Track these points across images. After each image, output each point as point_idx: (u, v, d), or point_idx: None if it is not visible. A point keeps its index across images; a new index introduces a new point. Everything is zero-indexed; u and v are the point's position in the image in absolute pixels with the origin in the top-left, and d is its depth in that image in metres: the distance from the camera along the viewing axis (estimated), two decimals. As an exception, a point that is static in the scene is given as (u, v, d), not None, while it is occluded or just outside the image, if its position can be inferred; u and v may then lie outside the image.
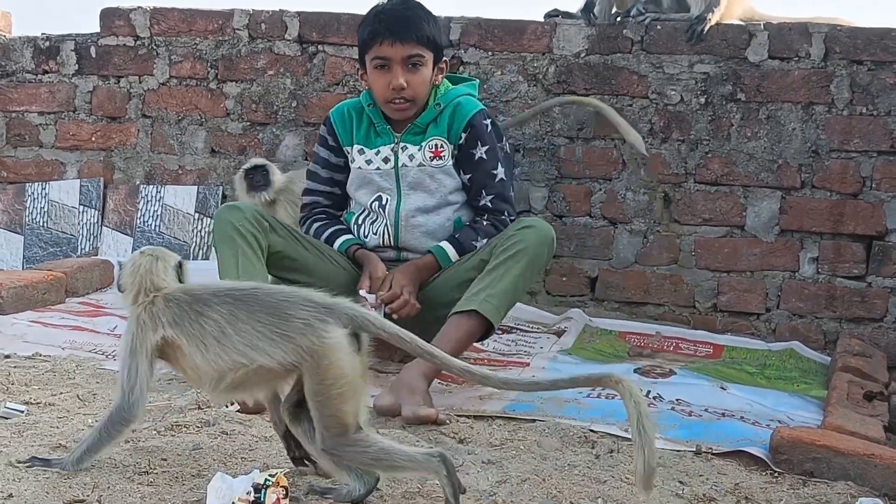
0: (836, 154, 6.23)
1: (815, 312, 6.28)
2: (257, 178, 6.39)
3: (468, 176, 5.14)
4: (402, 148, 5.14)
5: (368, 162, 5.18)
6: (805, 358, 5.79)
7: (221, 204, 7.06)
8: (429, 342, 3.47)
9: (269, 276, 4.91)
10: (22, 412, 4.12)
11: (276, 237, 4.93)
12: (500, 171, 5.13)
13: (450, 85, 5.24)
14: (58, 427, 3.98)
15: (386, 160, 5.15)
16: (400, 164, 5.11)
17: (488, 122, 5.16)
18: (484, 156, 5.11)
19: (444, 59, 5.23)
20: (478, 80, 5.46)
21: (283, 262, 4.99)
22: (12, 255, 7.26)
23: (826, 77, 6.22)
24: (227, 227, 4.79)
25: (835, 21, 6.33)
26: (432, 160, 5.11)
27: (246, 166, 6.48)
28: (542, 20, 6.74)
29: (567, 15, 6.72)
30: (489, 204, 5.12)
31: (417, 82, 5.04)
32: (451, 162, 5.13)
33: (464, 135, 5.11)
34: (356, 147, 5.19)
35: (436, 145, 5.12)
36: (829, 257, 6.25)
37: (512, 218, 5.15)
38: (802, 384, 5.34)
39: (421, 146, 5.12)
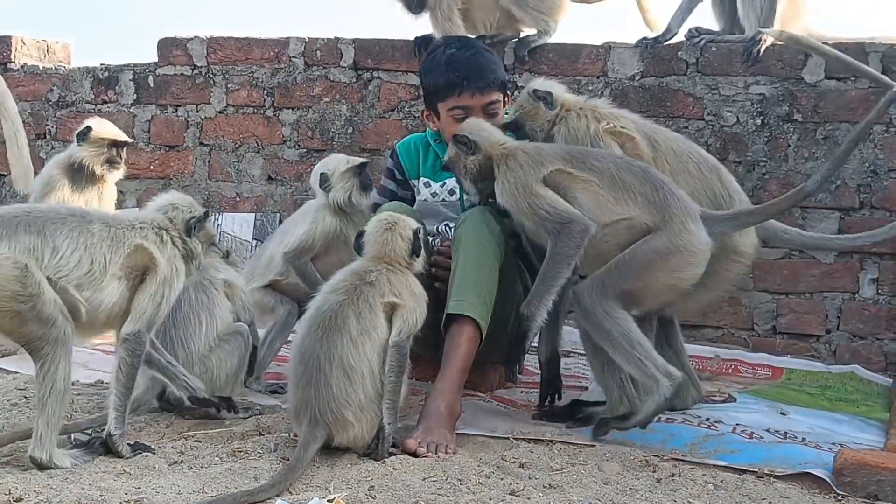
0: (895, 174, 6.18)
1: (876, 334, 6.22)
2: (365, 177, 5.44)
3: None
4: None
5: (434, 195, 5.21)
6: (866, 380, 5.74)
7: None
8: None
9: None
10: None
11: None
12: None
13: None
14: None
15: (451, 192, 5.19)
16: (465, 197, 5.10)
17: None
18: None
19: (508, 92, 5.24)
20: None
21: None
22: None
23: (884, 96, 6.16)
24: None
25: (892, 40, 6.28)
26: None
27: (354, 162, 5.43)
28: (597, 44, 6.74)
29: (710, 32, 6.65)
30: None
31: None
32: None
33: None
34: (422, 180, 5.23)
35: None
36: (889, 278, 6.19)
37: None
38: (864, 406, 5.30)
39: None
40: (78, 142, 6.13)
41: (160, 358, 4.33)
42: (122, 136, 6.18)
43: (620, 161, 4.52)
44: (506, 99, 5.20)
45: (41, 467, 3.81)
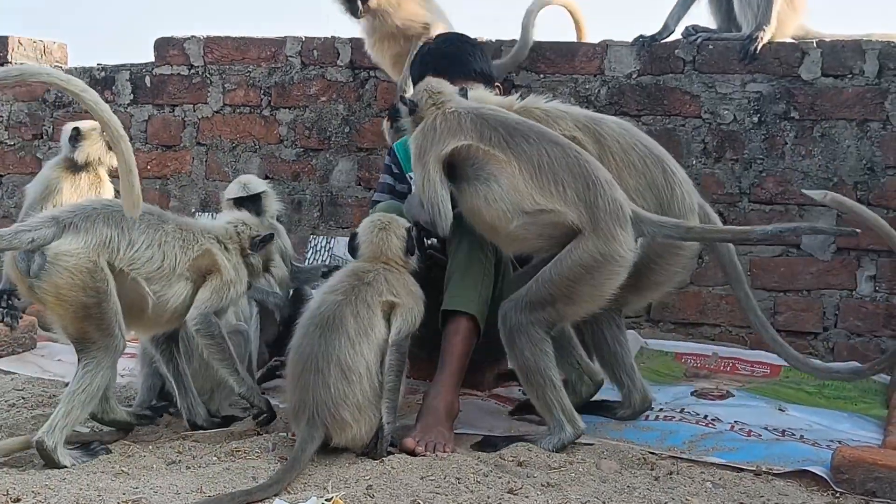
0: (892, 171, 6.17)
1: (874, 331, 6.22)
2: (247, 206, 5.43)
3: None
4: None
5: None
6: (864, 377, 5.73)
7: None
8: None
9: None
10: None
11: None
12: None
13: None
14: (119, 451, 4.02)
15: None
16: None
17: None
18: None
19: (497, 83, 5.28)
20: None
21: None
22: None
23: (880, 94, 6.18)
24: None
25: (889, 37, 6.29)
26: None
27: (235, 194, 5.61)
28: (594, 42, 6.74)
29: (706, 30, 6.66)
30: None
31: None
32: None
33: None
34: None
35: None
36: (886, 275, 6.19)
37: None
38: (862, 404, 5.30)
39: None
40: (72, 144, 6.14)
41: (183, 370, 4.49)
42: None
43: (559, 149, 4.32)
44: (496, 89, 5.26)
45: (44, 455, 3.87)
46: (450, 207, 4.40)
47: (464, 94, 4.67)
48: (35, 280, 3.91)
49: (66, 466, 3.86)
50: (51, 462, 3.87)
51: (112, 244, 4.01)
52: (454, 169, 4.39)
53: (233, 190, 5.57)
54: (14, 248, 3.92)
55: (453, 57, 5.15)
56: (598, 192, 4.21)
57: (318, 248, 7.03)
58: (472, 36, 6.69)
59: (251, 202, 5.45)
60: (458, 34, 5.58)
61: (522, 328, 4.23)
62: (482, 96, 4.79)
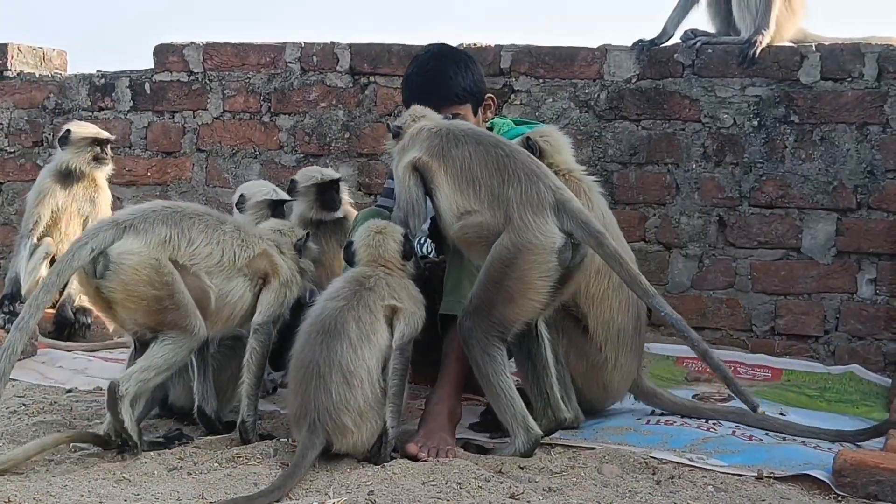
0: (893, 174, 6.18)
1: (875, 334, 6.22)
2: (329, 195, 5.66)
3: None
4: None
5: None
6: (865, 380, 5.74)
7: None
8: None
9: None
10: None
11: None
12: None
13: (513, 125, 5.22)
14: (119, 460, 4.02)
15: None
16: None
17: None
18: None
19: (489, 95, 5.22)
20: (542, 126, 5.37)
21: None
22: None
23: (880, 97, 6.18)
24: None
25: (888, 41, 6.29)
26: None
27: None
28: (593, 47, 6.75)
29: (706, 34, 6.67)
30: None
31: None
32: None
33: None
34: None
35: None
36: (887, 278, 6.19)
37: None
38: (863, 407, 5.30)
39: None
40: (61, 146, 6.15)
41: (209, 358, 4.56)
42: (103, 134, 6.21)
43: (481, 148, 4.32)
44: (488, 101, 5.22)
45: (111, 399, 4.03)
46: (423, 207, 4.47)
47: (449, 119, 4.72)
48: (101, 280, 4.08)
49: (123, 421, 4.02)
50: (113, 409, 4.03)
51: (172, 242, 4.19)
52: (426, 183, 4.46)
53: (264, 191, 5.42)
54: (82, 266, 4.08)
55: (434, 85, 5.04)
56: (510, 185, 4.21)
57: (318, 254, 7.01)
58: (470, 40, 6.78)
59: (279, 207, 5.40)
60: (439, 50, 5.32)
61: (473, 335, 4.23)
62: None
